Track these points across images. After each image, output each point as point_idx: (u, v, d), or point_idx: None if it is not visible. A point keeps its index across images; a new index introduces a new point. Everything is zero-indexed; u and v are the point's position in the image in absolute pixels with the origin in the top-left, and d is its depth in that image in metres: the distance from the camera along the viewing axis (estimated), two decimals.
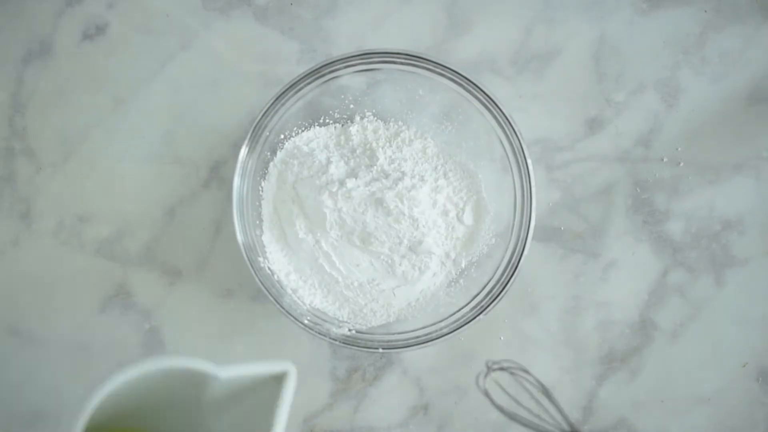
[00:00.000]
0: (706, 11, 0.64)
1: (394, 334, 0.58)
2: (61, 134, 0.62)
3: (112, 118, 0.63)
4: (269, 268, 0.57)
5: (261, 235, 0.58)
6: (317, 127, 0.61)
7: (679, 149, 0.63)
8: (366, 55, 0.57)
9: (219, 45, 0.63)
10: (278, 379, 0.44)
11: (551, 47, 0.63)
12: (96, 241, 0.62)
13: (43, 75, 0.63)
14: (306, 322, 0.56)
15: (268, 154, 0.59)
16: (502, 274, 0.57)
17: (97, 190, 0.62)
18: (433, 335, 0.57)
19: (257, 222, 0.59)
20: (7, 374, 0.62)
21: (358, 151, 0.60)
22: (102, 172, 0.62)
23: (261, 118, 0.57)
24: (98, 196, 0.62)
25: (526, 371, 0.54)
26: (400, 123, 0.61)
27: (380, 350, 0.56)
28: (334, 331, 0.57)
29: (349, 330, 0.57)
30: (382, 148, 0.60)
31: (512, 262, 0.57)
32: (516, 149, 0.57)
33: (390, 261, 0.60)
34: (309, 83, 0.57)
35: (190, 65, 0.63)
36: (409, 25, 0.63)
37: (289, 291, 0.58)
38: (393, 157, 0.60)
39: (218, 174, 0.62)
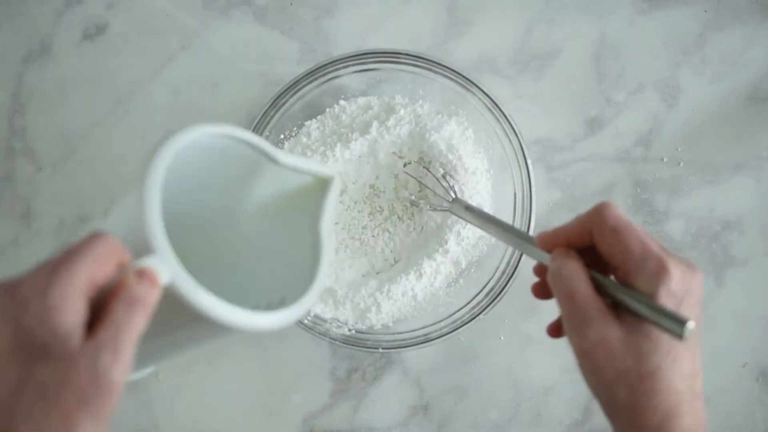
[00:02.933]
0: (706, 11, 0.64)
1: (394, 334, 0.58)
2: (61, 134, 0.62)
3: (112, 118, 0.63)
4: None
5: None
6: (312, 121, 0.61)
7: (679, 149, 0.63)
8: (365, 55, 0.57)
9: (219, 45, 0.63)
10: (323, 185, 0.44)
11: (551, 47, 0.63)
12: None
13: (43, 75, 0.63)
14: (306, 322, 0.56)
15: None
16: (502, 274, 0.57)
17: (97, 190, 0.62)
18: (433, 335, 0.57)
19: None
20: None
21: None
22: (102, 172, 0.62)
23: (261, 118, 0.57)
24: (98, 196, 0.62)
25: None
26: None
27: (380, 350, 0.56)
28: (334, 331, 0.57)
29: (349, 330, 0.57)
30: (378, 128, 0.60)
31: (512, 262, 0.57)
32: (516, 149, 0.57)
33: (391, 261, 0.60)
34: (309, 83, 0.57)
35: (190, 65, 0.63)
36: (409, 25, 0.63)
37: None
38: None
39: None
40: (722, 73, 0.64)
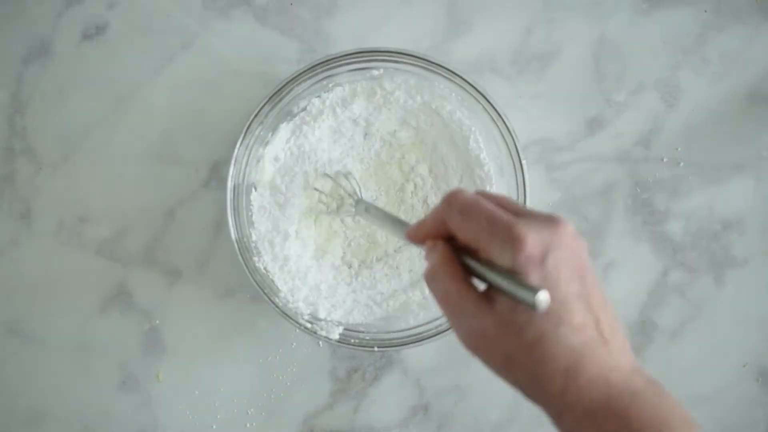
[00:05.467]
0: (706, 11, 0.64)
1: (391, 332, 0.58)
2: (61, 134, 0.62)
3: (112, 118, 0.63)
4: (265, 268, 0.57)
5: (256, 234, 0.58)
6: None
7: (679, 149, 0.63)
8: (362, 54, 0.56)
9: (219, 45, 0.63)
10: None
11: (551, 47, 0.63)
12: (96, 241, 0.62)
13: (43, 75, 0.63)
14: (301, 321, 0.56)
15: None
16: None
17: (97, 190, 0.62)
18: (431, 332, 0.56)
19: (253, 221, 0.59)
20: (7, 374, 0.62)
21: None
22: (102, 172, 0.62)
23: (256, 116, 0.57)
24: (98, 196, 0.62)
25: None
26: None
27: (376, 349, 0.56)
28: (331, 329, 0.57)
29: (345, 329, 0.57)
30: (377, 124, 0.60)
31: None
32: (510, 148, 0.57)
33: (390, 260, 0.60)
34: (305, 81, 0.57)
35: (190, 65, 0.63)
36: (409, 25, 0.63)
37: (285, 290, 0.58)
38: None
39: (218, 174, 0.62)
40: (722, 73, 0.64)
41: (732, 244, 0.63)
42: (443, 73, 0.57)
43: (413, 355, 0.62)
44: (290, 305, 0.57)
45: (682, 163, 0.63)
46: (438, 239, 0.38)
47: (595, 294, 0.35)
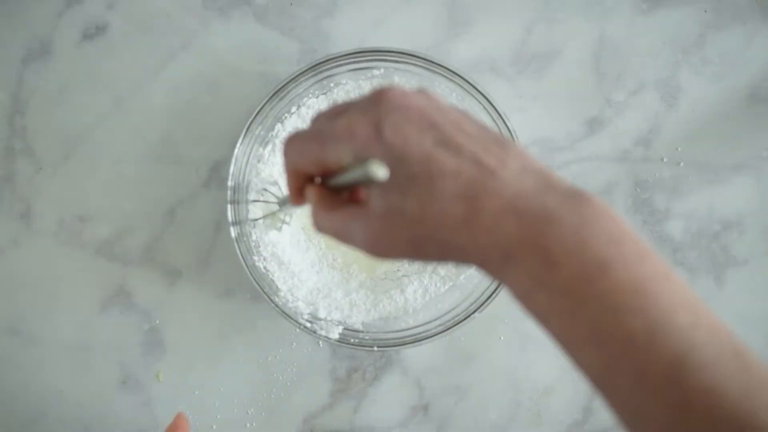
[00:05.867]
0: (706, 11, 0.64)
1: (390, 332, 0.58)
2: (61, 134, 0.62)
3: (112, 118, 0.63)
4: (265, 268, 0.57)
5: (256, 233, 0.58)
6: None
7: (679, 149, 0.63)
8: (362, 54, 0.56)
9: (219, 45, 0.63)
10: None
11: (551, 47, 0.63)
12: (96, 241, 0.62)
13: (43, 75, 0.63)
14: (301, 321, 0.56)
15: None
16: None
17: (97, 190, 0.62)
18: (430, 333, 0.56)
19: (253, 221, 0.59)
20: (7, 374, 0.62)
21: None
22: (102, 172, 0.62)
23: (256, 115, 0.57)
24: (98, 196, 0.62)
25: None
26: None
27: (375, 348, 0.56)
28: (330, 329, 0.57)
29: (345, 329, 0.57)
30: None
31: None
32: None
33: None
34: (305, 80, 0.57)
35: (190, 65, 0.63)
36: (409, 25, 0.63)
37: (284, 289, 0.58)
38: None
39: (218, 174, 0.62)
40: (722, 73, 0.64)
41: (732, 244, 0.63)
42: (443, 73, 0.57)
43: (413, 355, 0.62)
44: (290, 305, 0.57)
45: (682, 163, 0.63)
46: (306, 186, 0.36)
47: (458, 132, 0.32)
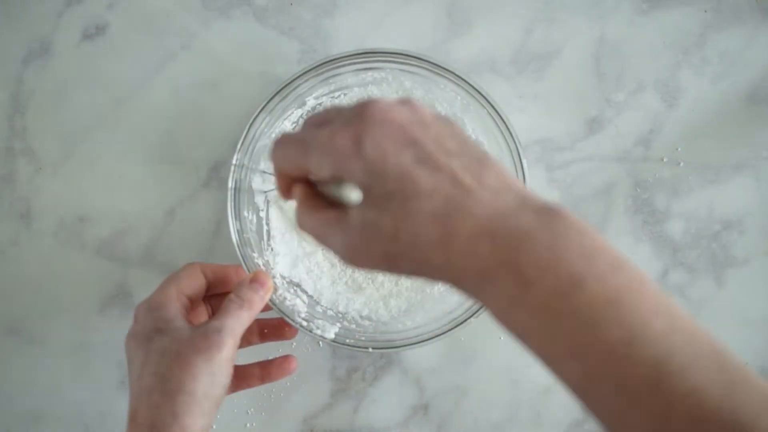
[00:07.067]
0: (706, 11, 0.64)
1: (389, 333, 0.58)
2: (61, 134, 0.62)
3: (112, 118, 0.63)
4: (264, 267, 0.57)
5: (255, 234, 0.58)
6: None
7: (679, 149, 0.63)
8: (364, 55, 0.56)
9: (219, 45, 0.63)
10: None
11: (551, 47, 0.63)
12: (96, 241, 0.62)
13: (43, 75, 0.63)
14: (297, 319, 0.56)
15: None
16: None
17: (97, 190, 0.62)
18: (428, 335, 0.56)
19: (252, 221, 0.59)
20: (7, 374, 0.62)
21: None
22: (102, 172, 0.62)
23: (257, 116, 0.57)
24: (98, 196, 0.62)
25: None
26: None
27: (370, 349, 0.56)
28: (326, 329, 0.56)
29: (342, 329, 0.57)
30: None
31: None
32: (512, 149, 0.56)
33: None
34: (306, 82, 0.57)
35: (190, 65, 0.63)
36: (409, 25, 0.63)
37: (283, 288, 0.58)
38: None
39: (218, 174, 0.62)
40: (722, 73, 0.64)
41: (732, 244, 0.63)
42: (444, 74, 0.57)
43: (413, 355, 0.62)
44: (287, 303, 0.57)
45: (682, 163, 0.63)
46: (293, 184, 0.37)
47: (438, 149, 0.32)
